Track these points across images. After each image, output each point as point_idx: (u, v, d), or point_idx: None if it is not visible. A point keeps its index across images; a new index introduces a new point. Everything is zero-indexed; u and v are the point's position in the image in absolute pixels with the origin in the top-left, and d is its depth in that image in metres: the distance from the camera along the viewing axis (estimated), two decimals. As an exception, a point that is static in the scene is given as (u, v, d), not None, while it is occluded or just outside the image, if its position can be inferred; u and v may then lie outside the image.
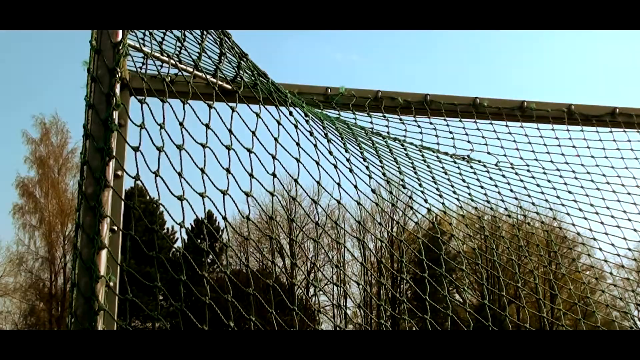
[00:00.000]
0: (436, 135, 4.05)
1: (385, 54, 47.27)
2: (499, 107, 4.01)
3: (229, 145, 2.60)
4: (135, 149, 2.26)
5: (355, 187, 3.18)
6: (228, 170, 2.57)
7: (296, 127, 3.00)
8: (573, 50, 46.68)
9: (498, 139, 4.13)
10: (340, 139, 3.48)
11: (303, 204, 28.94)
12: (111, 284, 2.13)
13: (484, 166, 4.17)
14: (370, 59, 46.84)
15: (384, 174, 3.59)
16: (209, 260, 29.19)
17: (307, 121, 3.18)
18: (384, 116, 3.91)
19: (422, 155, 4.01)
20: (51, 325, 31.54)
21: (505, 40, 47.51)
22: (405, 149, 3.97)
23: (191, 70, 2.96)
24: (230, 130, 2.64)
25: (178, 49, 2.91)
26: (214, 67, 3.08)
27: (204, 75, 3.03)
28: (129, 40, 2.41)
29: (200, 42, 2.96)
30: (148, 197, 27.73)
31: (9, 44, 42.79)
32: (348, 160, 3.27)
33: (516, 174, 4.23)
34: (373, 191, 3.39)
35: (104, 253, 2.08)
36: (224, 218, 2.53)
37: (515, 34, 40.75)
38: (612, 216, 4.23)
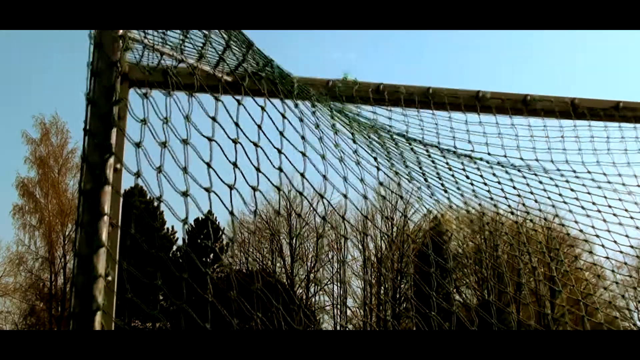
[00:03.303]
0: (437, 132, 4.03)
1: (383, 53, 47.28)
2: (502, 99, 3.97)
3: (235, 138, 2.59)
4: (137, 145, 2.25)
5: (362, 180, 3.12)
6: (235, 165, 2.56)
7: (301, 120, 2.97)
8: (573, 49, 46.70)
9: (500, 134, 4.10)
10: (349, 127, 3.40)
11: (304, 201, 28.90)
12: (109, 279, 2.12)
13: (487, 162, 4.14)
14: (368, 58, 46.86)
15: (392, 165, 3.52)
16: (209, 260, 29.18)
17: (313, 112, 3.13)
18: (388, 109, 3.87)
19: (427, 150, 3.98)
20: (51, 325, 31.53)
21: (506, 40, 47.51)
22: (409, 143, 3.94)
23: (193, 62, 2.93)
24: (236, 124, 2.63)
25: (181, 40, 2.89)
26: (218, 58, 3.03)
27: (206, 68, 3.00)
28: (129, 32, 2.40)
29: (205, 32, 2.92)
30: (148, 197, 27.72)
31: (9, 44, 42.79)
32: (355, 152, 3.21)
33: (519, 170, 4.22)
34: (381, 184, 3.32)
35: (102, 251, 2.07)
36: (231, 212, 2.51)
37: (515, 33, 40.75)
38: (615, 214, 4.23)
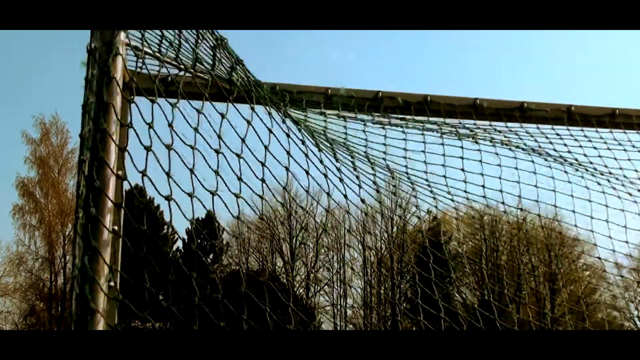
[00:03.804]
0: (441, 133, 4.03)
1: (383, 53, 47.31)
2: (499, 107, 4.00)
3: (220, 145, 2.61)
4: (123, 149, 2.25)
5: (345, 197, 3.23)
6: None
7: (288, 135, 3.02)
8: (573, 50, 46.71)
9: (500, 130, 4.11)
10: (331, 149, 3.51)
11: (303, 203, 28.95)
12: (111, 284, 2.13)
13: (490, 141, 4.13)
14: (368, 58, 46.91)
15: (374, 182, 3.62)
16: (209, 261, 29.17)
17: (299, 129, 3.20)
18: (387, 116, 3.90)
19: (423, 151, 3.97)
20: (51, 325, 31.54)
21: (506, 40, 47.53)
22: (405, 142, 3.94)
23: (190, 70, 2.95)
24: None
25: (175, 49, 2.91)
26: (211, 68, 3.08)
27: (202, 75, 3.02)
28: (124, 39, 2.40)
29: (195, 46, 2.95)
30: (148, 197, 27.74)
31: (9, 44, 42.82)
32: (339, 169, 3.31)
33: (516, 168, 4.22)
34: (363, 201, 3.44)
35: (101, 254, 2.07)
36: (214, 219, 2.53)
37: (515, 33, 40.77)
38: (608, 221, 4.23)
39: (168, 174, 2.31)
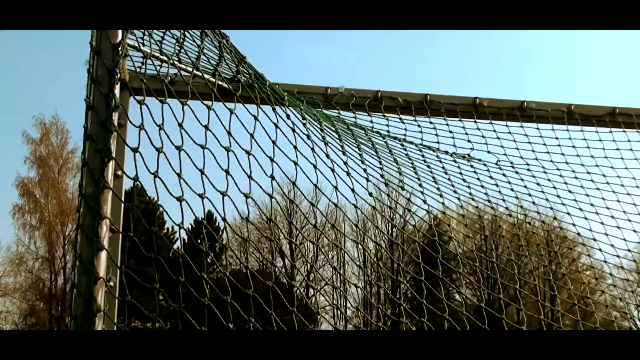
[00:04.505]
0: (436, 135, 4.05)
1: (381, 54, 47.32)
2: (499, 107, 4.00)
3: (227, 146, 2.60)
4: (134, 150, 2.26)
5: (353, 190, 3.19)
6: (227, 172, 2.57)
7: (293, 130, 3.00)
8: (573, 50, 46.73)
9: (498, 138, 4.12)
10: (338, 141, 3.48)
11: (303, 203, 28.91)
12: (111, 284, 2.13)
13: (484, 165, 4.16)
14: (366, 58, 46.93)
15: (382, 176, 3.59)
16: (208, 261, 29.15)
17: (304, 124, 3.18)
18: (384, 116, 3.91)
19: (422, 155, 4.00)
20: (51, 325, 31.53)
21: (505, 40, 47.52)
22: (405, 149, 3.97)
23: (190, 70, 2.95)
24: (229, 132, 2.64)
25: (177, 49, 2.91)
26: (213, 68, 3.08)
27: (203, 75, 3.02)
28: (128, 40, 2.41)
29: (199, 44, 2.95)
30: (148, 197, 27.71)
31: (9, 44, 42.82)
32: (345, 163, 3.28)
33: (517, 172, 4.23)
34: (370, 194, 3.40)
35: (103, 254, 2.07)
36: (224, 219, 2.52)
37: (515, 34, 40.74)
38: (612, 216, 4.23)
39: (179, 175, 2.32)
